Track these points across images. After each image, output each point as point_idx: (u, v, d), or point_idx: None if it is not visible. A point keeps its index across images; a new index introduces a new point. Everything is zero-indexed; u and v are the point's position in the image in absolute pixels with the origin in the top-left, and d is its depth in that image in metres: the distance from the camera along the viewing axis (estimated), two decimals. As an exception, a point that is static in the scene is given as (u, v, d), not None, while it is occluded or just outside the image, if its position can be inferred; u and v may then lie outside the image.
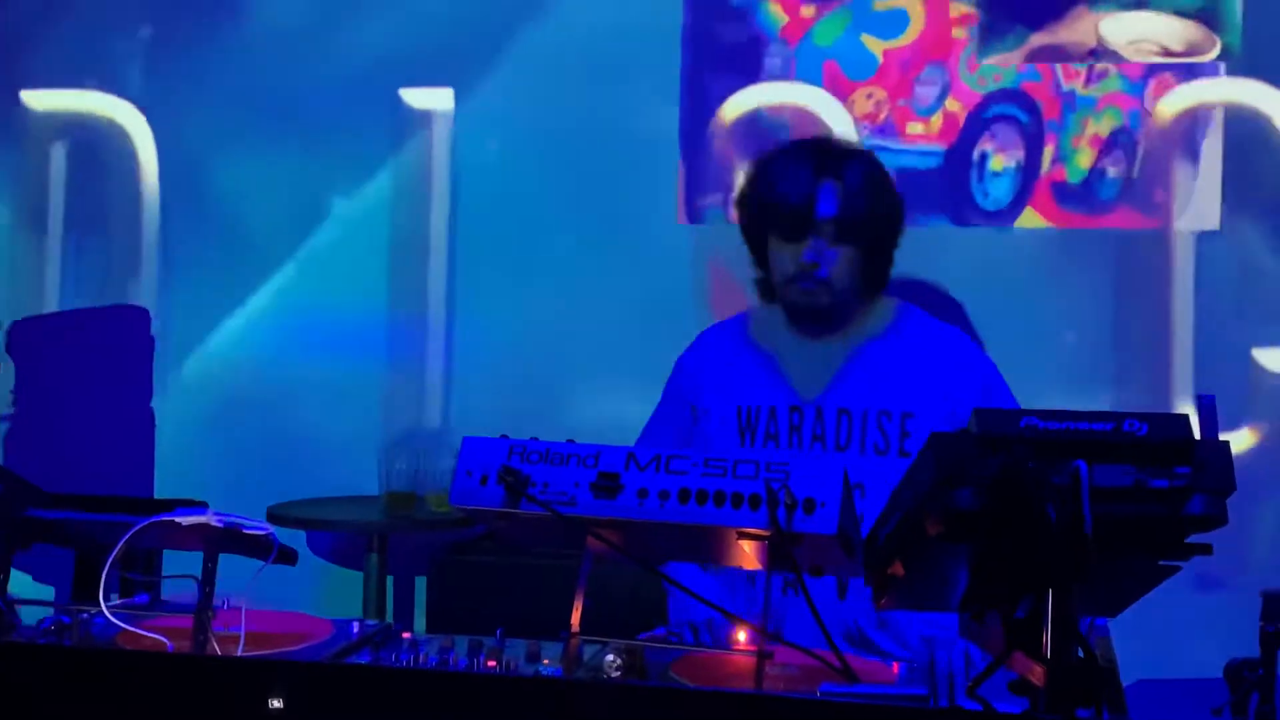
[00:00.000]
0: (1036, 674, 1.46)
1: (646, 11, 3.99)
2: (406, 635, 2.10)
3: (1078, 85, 3.76)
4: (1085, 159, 3.76)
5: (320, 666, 1.82)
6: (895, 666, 2.03)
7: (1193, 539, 1.53)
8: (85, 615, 2.01)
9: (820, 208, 2.50)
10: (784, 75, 3.92)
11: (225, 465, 4.15)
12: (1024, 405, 2.51)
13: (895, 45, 3.86)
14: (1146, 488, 1.48)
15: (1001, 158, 3.81)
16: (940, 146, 3.83)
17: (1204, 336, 3.70)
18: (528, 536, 2.03)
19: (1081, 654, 1.45)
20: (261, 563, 1.98)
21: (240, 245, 4.25)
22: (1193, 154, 3.71)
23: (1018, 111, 3.79)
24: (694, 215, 3.99)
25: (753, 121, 3.95)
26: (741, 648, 2.01)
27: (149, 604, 2.14)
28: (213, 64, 4.26)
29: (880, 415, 2.49)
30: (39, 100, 4.39)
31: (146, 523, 1.94)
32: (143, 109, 4.31)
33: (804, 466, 1.82)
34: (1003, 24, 3.80)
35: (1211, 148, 3.69)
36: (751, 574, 2.46)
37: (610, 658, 1.89)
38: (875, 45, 3.87)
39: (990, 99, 3.81)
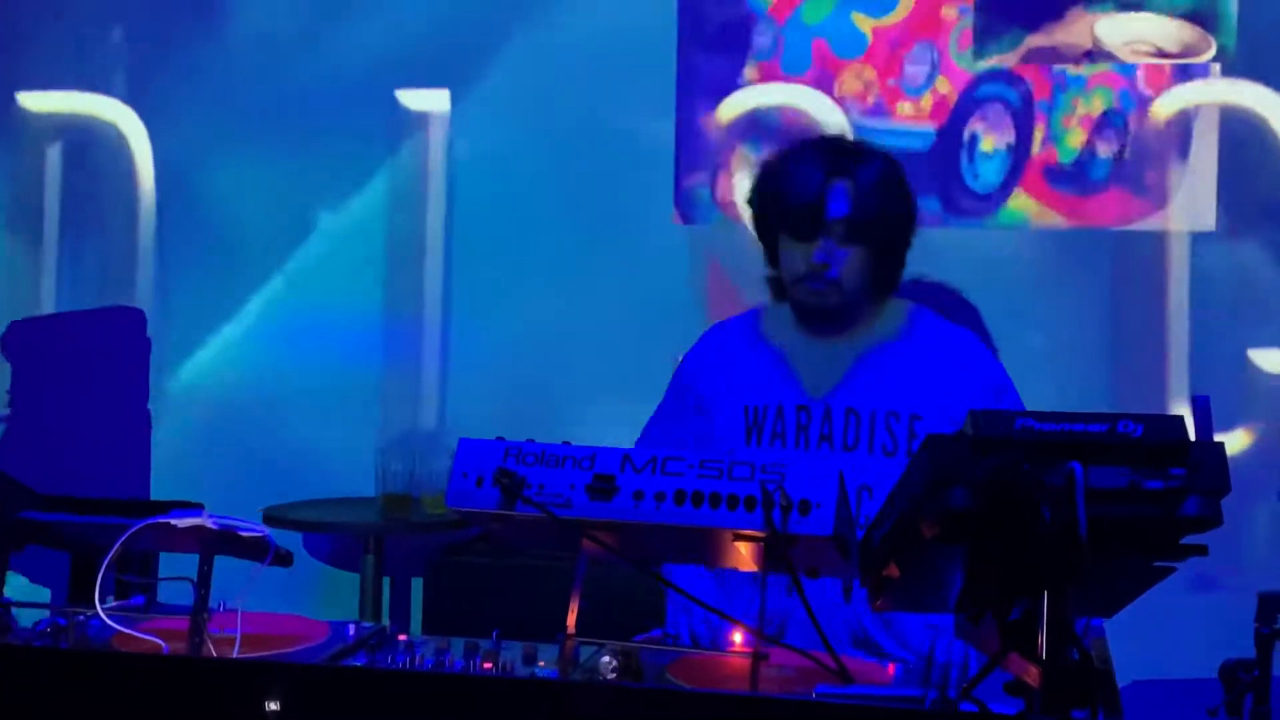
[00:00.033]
0: (1032, 675, 1.47)
1: (642, 12, 3.99)
2: (403, 637, 2.09)
3: (1068, 65, 3.76)
4: (1076, 139, 3.76)
5: (316, 669, 1.82)
6: (891, 668, 2.03)
7: (1188, 540, 1.53)
8: (81, 617, 2.00)
9: (831, 207, 2.48)
10: (773, 53, 3.91)
11: (222, 467, 4.14)
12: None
13: (885, 23, 3.85)
14: (1141, 489, 1.48)
15: (992, 138, 3.81)
16: (931, 127, 3.82)
17: (1200, 337, 3.71)
18: (523, 538, 2.03)
19: (1077, 655, 1.45)
20: (257, 565, 1.98)
21: (236, 247, 4.25)
22: (1188, 154, 3.71)
23: (1008, 92, 3.79)
24: (689, 216, 3.99)
25: (748, 123, 3.95)
26: (738, 649, 2.01)
27: (145, 606, 2.14)
28: (208, 66, 4.26)
29: (889, 416, 2.48)
30: (35, 102, 4.38)
31: (141, 525, 1.94)
32: (139, 111, 4.31)
33: (800, 468, 1.82)
34: (999, 25, 3.80)
35: (1207, 149, 3.70)
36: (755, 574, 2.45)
37: (606, 659, 1.89)
38: (865, 23, 3.86)
39: (981, 79, 3.81)
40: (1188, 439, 1.50)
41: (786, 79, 3.92)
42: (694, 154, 3.98)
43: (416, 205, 4.18)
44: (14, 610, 2.06)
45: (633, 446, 1.92)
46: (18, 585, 3.67)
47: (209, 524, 1.95)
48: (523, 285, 4.05)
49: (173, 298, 4.31)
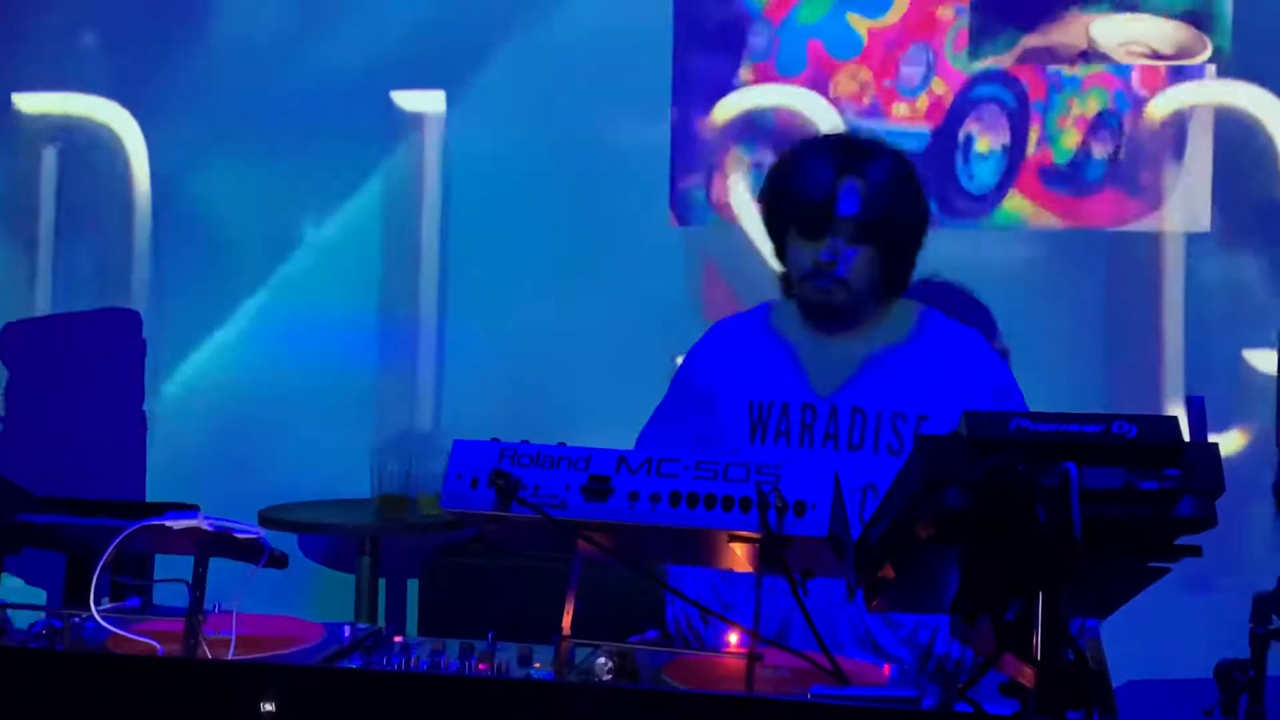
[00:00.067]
0: (1027, 676, 1.47)
1: (637, 13, 3.99)
2: (398, 638, 2.09)
3: (1063, 66, 3.77)
4: (1071, 140, 3.77)
5: (312, 670, 1.82)
6: (886, 668, 2.03)
7: (1182, 541, 1.53)
8: (76, 619, 2.00)
9: (841, 206, 2.45)
10: (768, 54, 3.92)
11: (218, 468, 4.14)
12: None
13: (880, 24, 3.86)
14: (1136, 490, 1.48)
15: (987, 139, 3.81)
16: (926, 128, 3.83)
17: (1194, 338, 3.71)
18: (518, 539, 2.03)
19: (1071, 656, 1.46)
20: (252, 566, 1.98)
21: (232, 249, 4.25)
22: (1182, 156, 3.71)
23: (1003, 92, 3.79)
24: (684, 218, 3.99)
25: (744, 124, 3.95)
26: (733, 650, 2.01)
27: (140, 608, 2.14)
28: (204, 67, 4.26)
29: (895, 416, 2.46)
30: (30, 103, 4.38)
31: (137, 527, 1.94)
32: (134, 113, 4.31)
33: (795, 469, 1.82)
34: (994, 25, 3.80)
35: (1202, 150, 3.70)
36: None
37: (602, 661, 1.89)
38: (860, 24, 3.87)
39: (976, 80, 3.81)
40: (1182, 440, 1.50)
41: (782, 80, 3.93)
42: (689, 155, 3.99)
43: (412, 206, 4.18)
44: (9, 612, 2.06)
45: (628, 448, 1.92)
46: (13, 587, 3.67)
47: (204, 526, 1.94)
48: (518, 286, 4.06)
49: (168, 299, 4.31)
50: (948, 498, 1.47)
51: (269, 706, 1.56)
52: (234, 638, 1.93)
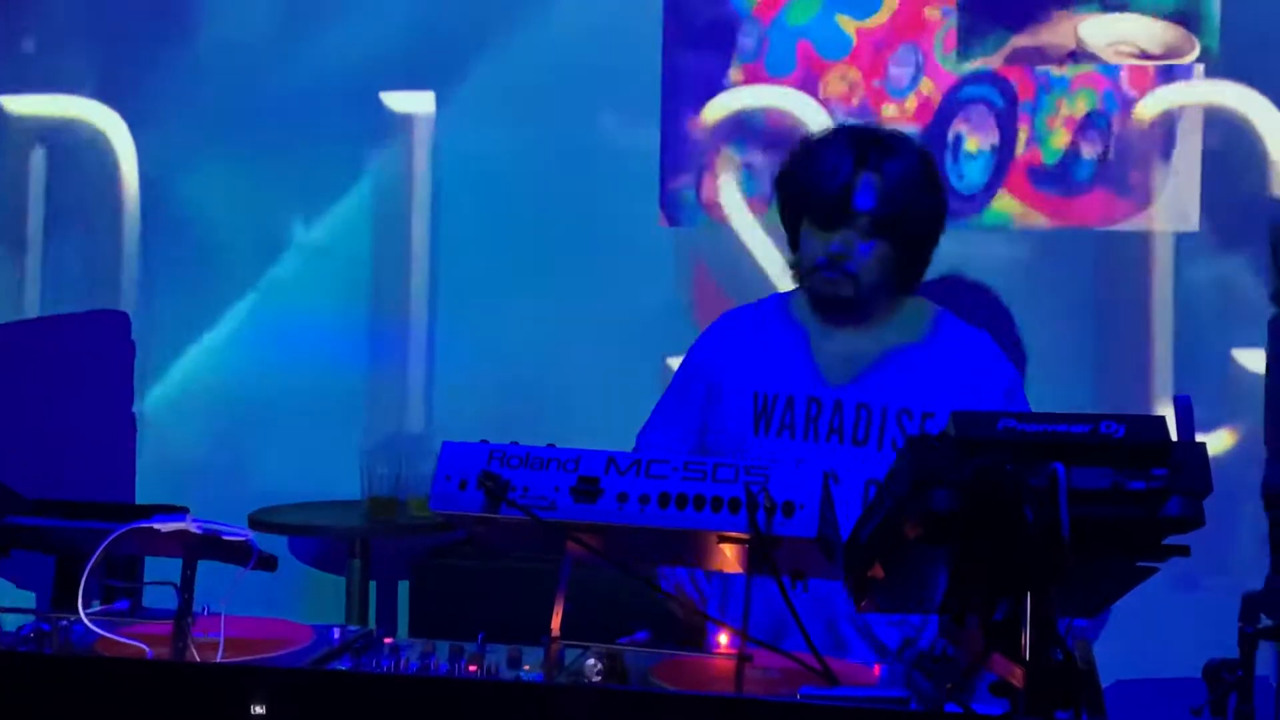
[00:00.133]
0: (1016, 675, 1.47)
1: (626, 14, 3.99)
2: (388, 640, 2.09)
3: (1052, 66, 3.77)
4: (1060, 140, 3.77)
5: (301, 673, 1.82)
6: (876, 669, 2.03)
7: (1170, 540, 1.53)
8: (65, 622, 2.00)
9: (856, 199, 2.44)
10: (757, 55, 3.92)
11: (207, 470, 4.14)
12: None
13: (869, 25, 3.86)
14: (1124, 489, 1.49)
15: (976, 139, 3.81)
16: (915, 128, 3.82)
17: (1183, 337, 3.72)
18: (507, 541, 2.03)
19: (1060, 655, 1.46)
20: (241, 569, 1.98)
21: (222, 250, 4.24)
22: (1171, 155, 3.72)
23: (992, 93, 3.80)
24: (675, 218, 3.99)
25: (733, 125, 3.95)
26: (723, 651, 2.01)
27: (129, 611, 2.14)
28: (192, 68, 4.25)
29: (900, 413, 2.45)
30: (18, 105, 4.37)
31: (125, 529, 1.94)
32: (122, 114, 4.30)
33: (783, 470, 1.82)
34: (983, 26, 3.81)
35: (1190, 149, 3.71)
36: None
37: (591, 662, 1.89)
38: (849, 24, 3.87)
39: (965, 80, 3.82)
40: (1170, 439, 1.50)
41: (771, 81, 3.93)
42: (679, 156, 3.99)
43: (401, 207, 4.18)
44: (-2, 615, 2.06)
45: (618, 449, 1.92)
46: (2, 590, 3.66)
47: (193, 528, 1.94)
48: (508, 287, 4.05)
49: (157, 301, 4.30)
50: (936, 498, 1.48)
51: (259, 709, 1.56)
52: (223, 640, 1.93)
